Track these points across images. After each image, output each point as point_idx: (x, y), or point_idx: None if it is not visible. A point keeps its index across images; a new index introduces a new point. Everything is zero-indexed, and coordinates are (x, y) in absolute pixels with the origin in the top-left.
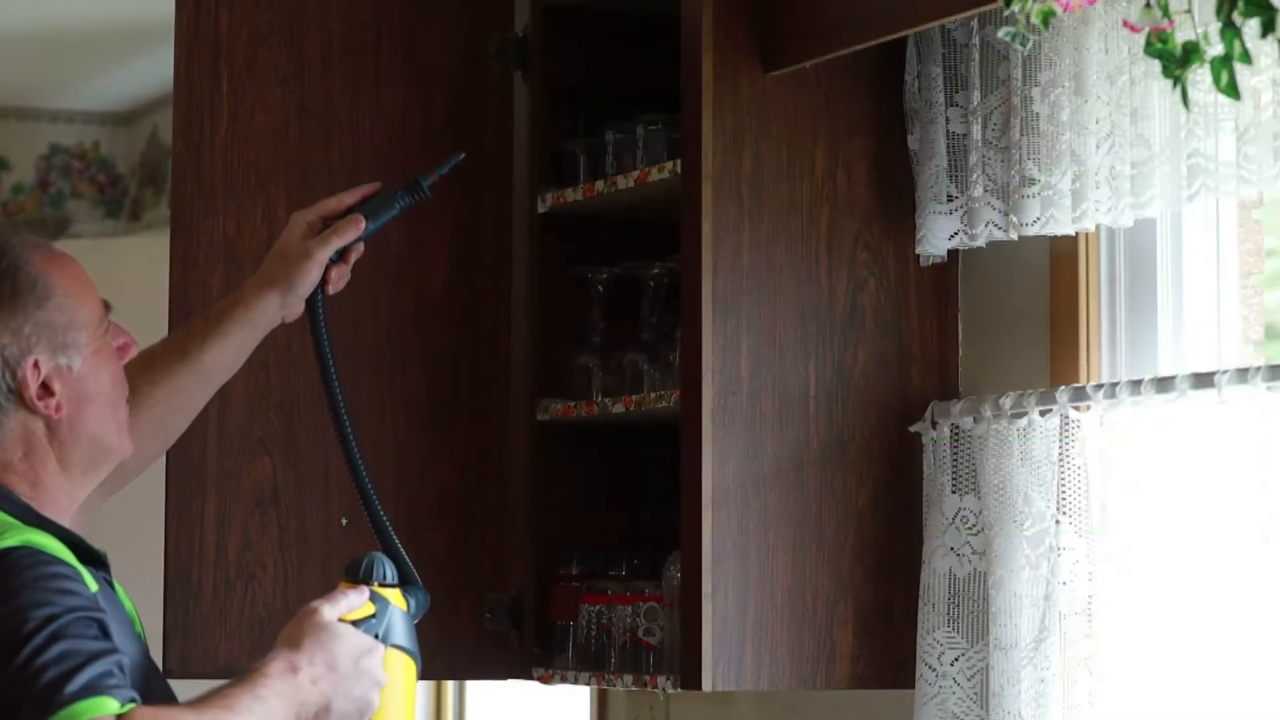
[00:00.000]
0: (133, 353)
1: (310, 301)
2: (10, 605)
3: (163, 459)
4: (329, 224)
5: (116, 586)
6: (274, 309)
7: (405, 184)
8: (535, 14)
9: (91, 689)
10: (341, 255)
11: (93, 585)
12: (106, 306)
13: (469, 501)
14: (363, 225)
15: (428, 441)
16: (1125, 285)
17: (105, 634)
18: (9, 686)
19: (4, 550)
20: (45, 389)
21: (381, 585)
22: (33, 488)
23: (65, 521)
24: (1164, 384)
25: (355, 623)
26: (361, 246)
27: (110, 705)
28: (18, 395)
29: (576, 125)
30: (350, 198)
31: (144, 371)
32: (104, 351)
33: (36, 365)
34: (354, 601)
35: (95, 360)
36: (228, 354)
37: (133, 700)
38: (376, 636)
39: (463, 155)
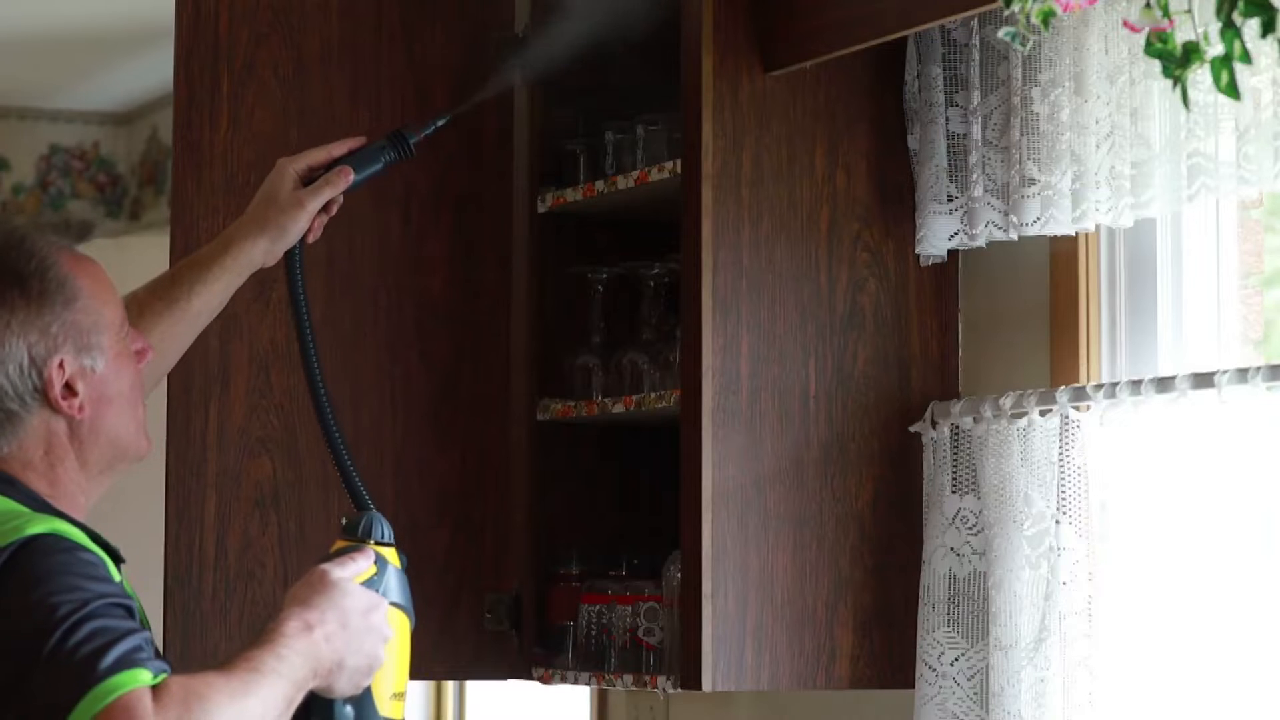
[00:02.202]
0: (149, 358)
1: (289, 250)
2: (40, 590)
3: (163, 459)
4: (315, 173)
5: (125, 584)
6: (260, 255)
7: (391, 139)
8: (535, 14)
9: (125, 663)
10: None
11: (115, 575)
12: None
13: (469, 501)
14: (351, 177)
15: (428, 441)
16: (1125, 285)
17: (132, 617)
18: (43, 670)
19: (32, 536)
20: (69, 389)
21: (379, 544)
22: (51, 485)
23: (80, 519)
24: (1164, 384)
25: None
26: (342, 198)
27: (144, 676)
28: (42, 394)
29: (576, 125)
30: (338, 149)
31: (134, 321)
32: (125, 355)
33: (61, 365)
34: (361, 565)
35: (117, 363)
36: (215, 299)
37: (164, 671)
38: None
39: (449, 117)
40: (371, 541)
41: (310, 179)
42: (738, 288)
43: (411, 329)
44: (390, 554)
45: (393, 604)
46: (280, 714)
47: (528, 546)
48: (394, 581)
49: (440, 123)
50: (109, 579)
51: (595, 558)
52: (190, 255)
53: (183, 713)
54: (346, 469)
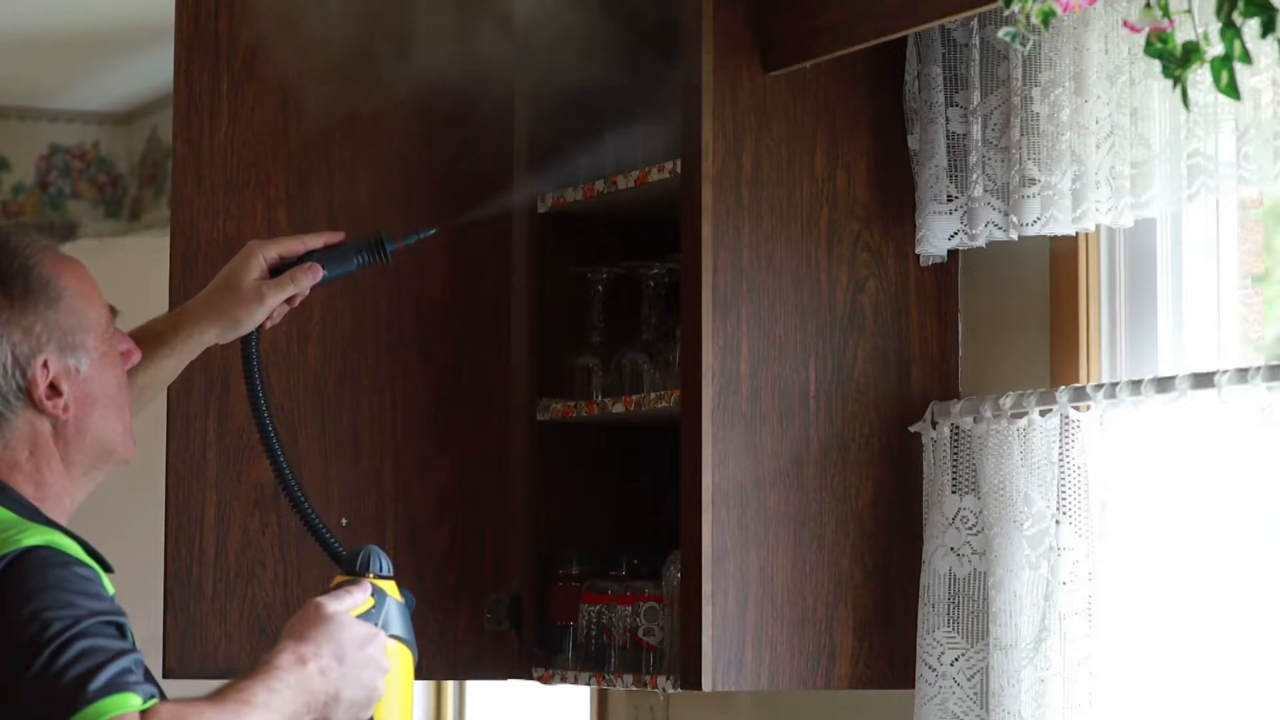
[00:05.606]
0: (135, 359)
1: (246, 337)
2: (34, 605)
3: (163, 459)
4: (285, 263)
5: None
6: (211, 339)
7: (369, 242)
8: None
9: (114, 686)
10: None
11: (109, 588)
12: (113, 312)
13: (469, 501)
14: (319, 275)
15: (428, 441)
16: (1125, 285)
17: (123, 636)
18: (33, 688)
19: (29, 548)
20: (53, 389)
21: (378, 577)
22: (37, 488)
23: (65, 523)
24: (1164, 384)
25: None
26: (307, 290)
27: (133, 701)
28: (27, 394)
29: (577, 125)
30: (313, 241)
31: None
32: (110, 355)
33: (46, 365)
34: (357, 598)
35: (102, 363)
36: (163, 376)
37: (154, 696)
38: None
39: (434, 230)
40: (370, 575)
41: (280, 267)
42: (738, 288)
43: (411, 329)
44: (390, 587)
45: (393, 636)
46: None
47: (528, 546)
48: (394, 614)
49: (425, 234)
50: (103, 595)
51: (595, 558)
52: (142, 325)
53: None
54: (325, 538)
